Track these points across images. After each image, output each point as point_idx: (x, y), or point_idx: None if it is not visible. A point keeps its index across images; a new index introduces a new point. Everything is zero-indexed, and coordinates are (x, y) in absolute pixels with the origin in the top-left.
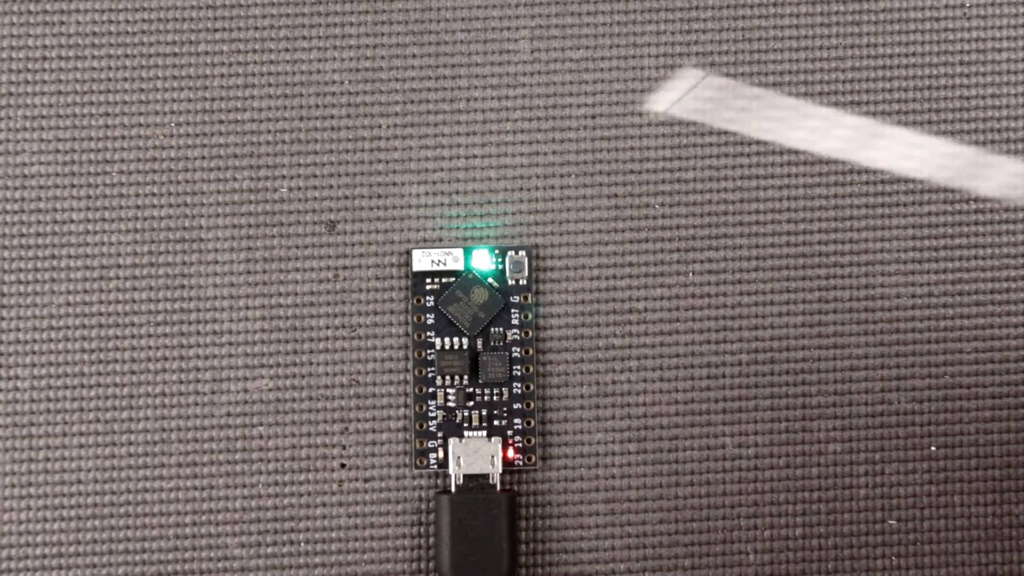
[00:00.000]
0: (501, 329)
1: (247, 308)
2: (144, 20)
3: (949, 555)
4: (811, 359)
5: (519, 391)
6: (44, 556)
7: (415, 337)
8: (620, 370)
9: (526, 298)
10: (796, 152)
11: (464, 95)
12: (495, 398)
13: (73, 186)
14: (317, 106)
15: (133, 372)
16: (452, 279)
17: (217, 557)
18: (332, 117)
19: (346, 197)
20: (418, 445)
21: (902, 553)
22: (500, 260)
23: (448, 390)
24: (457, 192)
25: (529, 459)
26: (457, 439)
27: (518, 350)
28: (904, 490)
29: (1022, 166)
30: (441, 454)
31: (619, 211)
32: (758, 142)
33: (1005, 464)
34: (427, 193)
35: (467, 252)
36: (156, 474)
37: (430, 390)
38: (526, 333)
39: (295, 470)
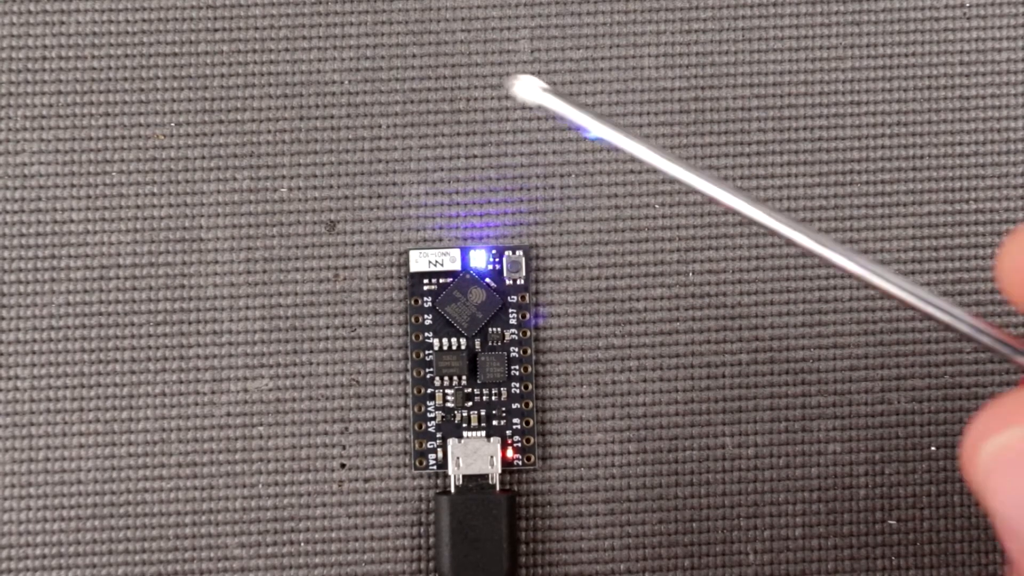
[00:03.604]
0: (499, 329)
1: (247, 308)
2: (144, 20)
3: (949, 555)
4: (811, 359)
5: (518, 391)
6: (44, 556)
7: (413, 338)
8: (620, 370)
9: (524, 298)
10: (796, 152)
11: (464, 95)
12: (494, 398)
13: (73, 186)
14: (317, 106)
15: (133, 372)
16: (450, 280)
17: (217, 557)
18: (332, 117)
19: (346, 197)
20: (417, 446)
21: (902, 553)
22: (497, 260)
23: (447, 391)
24: (457, 192)
25: (528, 459)
26: (456, 440)
27: (516, 350)
28: (904, 490)
29: None
30: (440, 455)
31: (619, 211)
32: (758, 142)
33: None
34: (427, 193)
35: (464, 252)
36: (156, 474)
37: (428, 391)
38: (524, 333)
39: (295, 470)
